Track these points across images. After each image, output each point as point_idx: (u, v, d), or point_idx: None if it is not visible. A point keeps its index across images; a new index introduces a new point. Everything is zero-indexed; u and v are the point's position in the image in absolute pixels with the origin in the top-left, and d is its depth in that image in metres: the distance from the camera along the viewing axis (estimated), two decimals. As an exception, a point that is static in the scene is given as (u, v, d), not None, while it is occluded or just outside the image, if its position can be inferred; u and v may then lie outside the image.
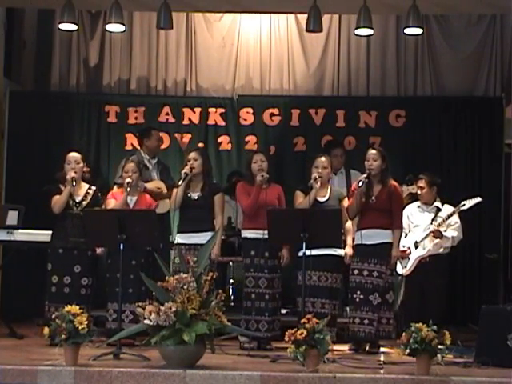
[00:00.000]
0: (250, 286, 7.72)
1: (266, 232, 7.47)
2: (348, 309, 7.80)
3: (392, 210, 7.70)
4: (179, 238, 7.75)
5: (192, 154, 7.92)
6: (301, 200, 7.73)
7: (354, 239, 7.78)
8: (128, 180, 7.87)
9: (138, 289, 7.56)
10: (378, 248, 7.62)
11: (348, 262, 7.75)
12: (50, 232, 7.94)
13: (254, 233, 7.70)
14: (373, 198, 7.70)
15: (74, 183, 7.81)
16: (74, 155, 7.98)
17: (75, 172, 7.84)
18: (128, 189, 7.84)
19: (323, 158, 7.81)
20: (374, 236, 7.64)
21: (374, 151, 7.81)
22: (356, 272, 7.66)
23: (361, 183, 7.60)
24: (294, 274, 7.67)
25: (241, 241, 8.12)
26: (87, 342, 6.25)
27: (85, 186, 8.00)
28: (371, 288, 7.59)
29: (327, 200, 7.77)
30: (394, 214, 7.71)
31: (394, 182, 7.81)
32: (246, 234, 7.83)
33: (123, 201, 7.87)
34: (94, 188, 8.05)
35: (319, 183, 7.60)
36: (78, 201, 7.89)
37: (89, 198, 7.94)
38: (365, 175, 7.66)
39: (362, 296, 7.60)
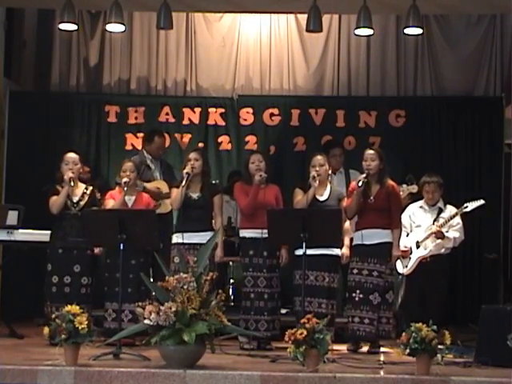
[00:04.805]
0: (249, 285, 7.72)
1: (264, 231, 7.50)
2: (346, 308, 7.78)
3: (391, 210, 7.74)
4: (179, 238, 7.73)
5: (193, 155, 7.92)
6: (300, 197, 7.74)
7: (351, 240, 7.79)
8: (125, 179, 7.87)
9: (138, 288, 7.57)
10: (377, 248, 7.65)
11: (345, 262, 7.77)
12: (50, 232, 7.94)
13: (253, 232, 7.72)
14: (371, 198, 7.73)
15: (72, 183, 7.83)
16: (72, 156, 7.98)
17: (72, 172, 7.85)
18: (125, 188, 7.84)
19: (319, 156, 7.83)
20: (374, 236, 7.66)
21: (371, 151, 7.84)
22: (355, 271, 7.67)
23: (360, 183, 7.62)
24: (292, 273, 7.69)
25: (239, 240, 8.11)
26: (87, 342, 6.24)
27: (82, 186, 8.01)
28: (371, 288, 7.61)
29: (327, 199, 7.78)
30: (393, 213, 7.76)
31: (392, 182, 7.85)
32: (245, 233, 7.84)
33: (121, 200, 7.87)
34: (90, 188, 8.05)
35: (317, 181, 7.62)
36: (75, 201, 7.90)
37: (86, 198, 7.95)
38: (364, 175, 7.69)
39: (361, 295, 7.61)
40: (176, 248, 7.71)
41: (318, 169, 7.71)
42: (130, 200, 7.97)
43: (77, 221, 7.79)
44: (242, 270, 7.90)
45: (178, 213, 7.90)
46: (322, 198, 7.77)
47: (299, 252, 7.50)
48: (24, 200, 8.55)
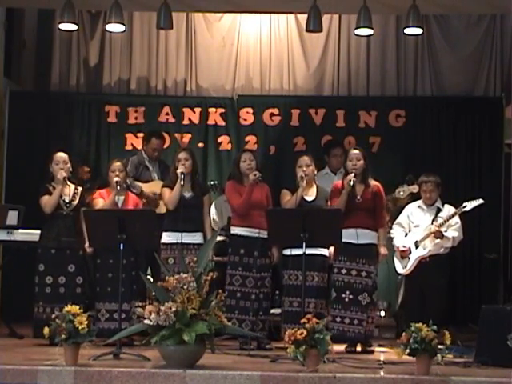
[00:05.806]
0: (237, 284, 7.70)
1: (258, 231, 7.51)
2: (333, 307, 7.73)
3: (376, 210, 7.79)
4: (170, 237, 7.72)
5: (182, 154, 7.91)
6: (288, 198, 7.76)
7: None
8: (117, 179, 7.85)
9: (130, 288, 7.57)
10: (366, 248, 7.69)
11: (332, 261, 7.78)
12: (39, 232, 7.91)
13: (245, 231, 7.72)
14: (358, 197, 7.75)
15: (68, 182, 7.82)
16: (62, 155, 7.95)
17: (65, 172, 7.83)
18: (118, 187, 7.81)
19: (306, 157, 7.87)
20: (363, 236, 7.70)
21: (356, 151, 7.88)
22: (344, 271, 7.69)
23: (352, 183, 7.64)
24: (281, 273, 7.71)
25: (229, 237, 8.04)
26: (87, 341, 6.24)
27: (71, 186, 7.96)
28: (360, 288, 7.65)
29: (314, 199, 7.80)
30: (378, 213, 7.82)
31: (376, 183, 7.90)
32: (236, 230, 7.80)
33: (112, 200, 7.84)
34: (80, 188, 8.02)
35: (305, 182, 7.65)
36: (67, 201, 7.87)
37: (77, 198, 7.92)
38: (353, 175, 7.69)
39: (351, 296, 7.64)
40: (169, 249, 7.71)
41: (304, 169, 7.74)
42: (120, 200, 7.94)
43: (69, 221, 7.80)
44: (229, 267, 7.80)
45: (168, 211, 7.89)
46: (309, 199, 7.79)
47: (287, 252, 7.54)
48: (24, 200, 8.53)
